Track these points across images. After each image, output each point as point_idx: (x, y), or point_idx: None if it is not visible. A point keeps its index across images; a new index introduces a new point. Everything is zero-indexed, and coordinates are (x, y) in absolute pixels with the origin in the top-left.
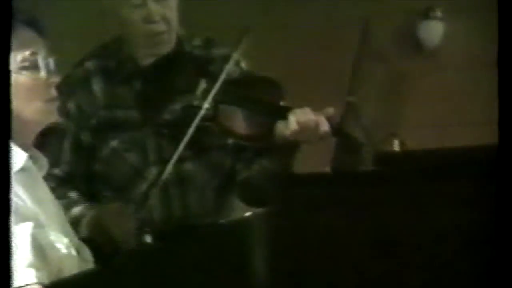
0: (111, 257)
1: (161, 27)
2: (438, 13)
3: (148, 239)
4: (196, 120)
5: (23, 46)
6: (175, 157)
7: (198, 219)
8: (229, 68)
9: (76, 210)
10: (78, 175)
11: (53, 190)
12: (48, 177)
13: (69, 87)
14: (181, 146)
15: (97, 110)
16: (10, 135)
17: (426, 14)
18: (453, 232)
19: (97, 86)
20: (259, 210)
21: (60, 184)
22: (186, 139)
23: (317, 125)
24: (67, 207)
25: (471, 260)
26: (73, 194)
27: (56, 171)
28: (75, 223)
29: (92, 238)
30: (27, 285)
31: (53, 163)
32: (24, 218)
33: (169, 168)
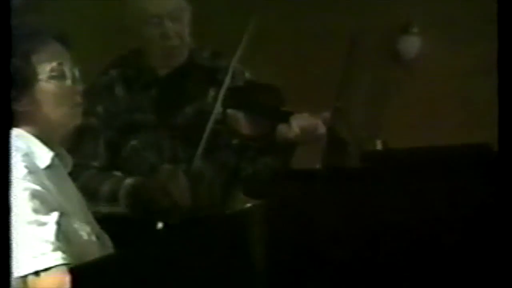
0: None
1: (175, 42)
2: (415, 29)
3: (160, 225)
4: (210, 123)
5: (51, 58)
6: (200, 149)
7: (206, 210)
8: (230, 77)
9: (130, 180)
10: (111, 168)
11: (96, 175)
12: (89, 167)
13: (96, 92)
14: (203, 142)
15: (120, 113)
16: (10, 135)
17: (405, 29)
18: (430, 222)
19: (119, 91)
20: (259, 202)
21: (101, 170)
22: (204, 138)
23: (315, 128)
24: (118, 182)
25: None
26: (117, 173)
27: (95, 163)
28: (134, 190)
29: (153, 198)
30: (54, 266)
31: (92, 157)
32: (51, 209)
33: (199, 156)
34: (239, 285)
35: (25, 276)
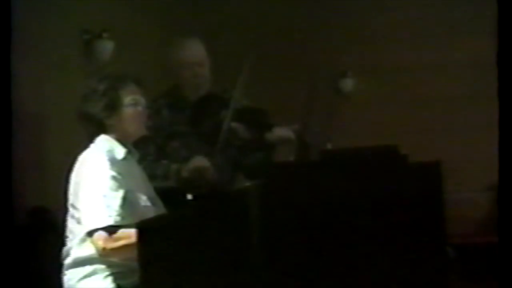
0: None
1: (201, 80)
2: (349, 74)
3: (189, 197)
4: (223, 133)
5: (130, 93)
6: (218, 148)
7: (218, 187)
8: (234, 103)
9: (175, 165)
10: (159, 159)
11: (151, 162)
12: (146, 159)
13: (151, 114)
14: (219, 143)
15: (165, 126)
16: (11, 133)
17: (343, 74)
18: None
19: (164, 113)
20: (254, 182)
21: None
22: (220, 141)
23: (289, 135)
24: (166, 166)
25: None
26: (164, 161)
27: (150, 157)
28: (177, 172)
29: (191, 178)
30: (118, 226)
31: (148, 152)
32: (121, 187)
33: (218, 151)
34: (237, 233)
35: (93, 233)
